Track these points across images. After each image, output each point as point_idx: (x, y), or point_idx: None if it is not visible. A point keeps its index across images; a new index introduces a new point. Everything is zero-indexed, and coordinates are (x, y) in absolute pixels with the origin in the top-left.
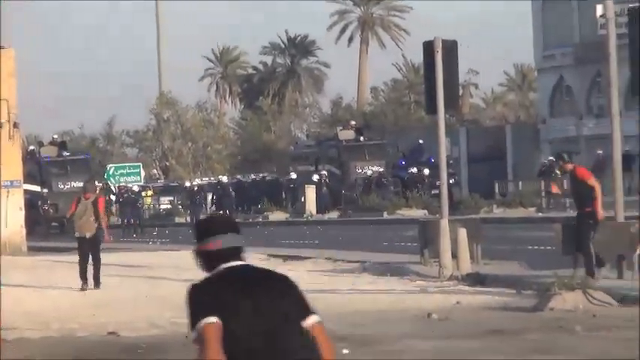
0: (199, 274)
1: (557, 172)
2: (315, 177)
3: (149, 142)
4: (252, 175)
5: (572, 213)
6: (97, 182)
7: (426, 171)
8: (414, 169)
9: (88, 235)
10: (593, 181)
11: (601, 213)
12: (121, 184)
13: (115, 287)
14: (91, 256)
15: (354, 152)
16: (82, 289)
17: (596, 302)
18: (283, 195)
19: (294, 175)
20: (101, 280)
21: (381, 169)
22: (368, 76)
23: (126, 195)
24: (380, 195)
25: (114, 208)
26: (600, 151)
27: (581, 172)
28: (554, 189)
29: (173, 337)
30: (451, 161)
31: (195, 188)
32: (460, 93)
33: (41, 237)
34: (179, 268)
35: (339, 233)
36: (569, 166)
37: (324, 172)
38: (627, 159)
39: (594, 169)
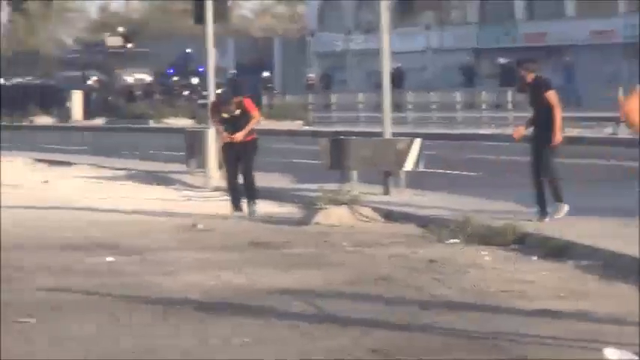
0: None
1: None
2: (82, 82)
3: None
4: (19, 78)
5: (339, 128)
6: None
7: (194, 80)
8: (182, 78)
9: None
10: (256, 113)
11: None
12: None
13: None
14: None
15: (121, 59)
16: None
17: (362, 218)
18: (49, 99)
19: (61, 80)
20: None
21: (149, 77)
22: None
23: None
24: (147, 103)
25: None
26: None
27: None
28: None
29: None
30: (233, 72)
31: None
32: (229, 4)
33: None
34: None
35: (105, 140)
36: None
37: (93, 78)
38: (397, 76)
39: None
